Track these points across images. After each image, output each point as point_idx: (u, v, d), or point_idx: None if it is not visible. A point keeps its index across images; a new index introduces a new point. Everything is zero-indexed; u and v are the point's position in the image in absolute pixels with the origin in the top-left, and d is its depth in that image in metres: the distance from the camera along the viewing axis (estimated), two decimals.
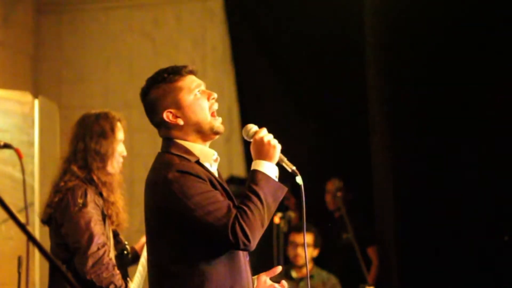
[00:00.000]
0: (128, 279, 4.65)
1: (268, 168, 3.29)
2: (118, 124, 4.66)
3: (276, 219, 7.48)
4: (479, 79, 6.87)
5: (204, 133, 3.37)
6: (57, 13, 8.99)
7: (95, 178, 4.53)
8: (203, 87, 3.40)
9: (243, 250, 3.25)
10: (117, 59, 8.89)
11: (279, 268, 3.53)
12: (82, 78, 8.86)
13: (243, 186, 3.31)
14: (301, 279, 7.11)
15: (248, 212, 3.15)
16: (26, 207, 2.40)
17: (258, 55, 8.62)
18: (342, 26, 7.73)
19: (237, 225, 3.11)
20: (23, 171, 2.35)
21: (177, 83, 3.36)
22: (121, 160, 4.66)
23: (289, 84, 8.35)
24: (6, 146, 2.35)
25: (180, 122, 3.33)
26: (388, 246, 7.50)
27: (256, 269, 3.56)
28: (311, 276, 7.15)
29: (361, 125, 7.62)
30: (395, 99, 7.26)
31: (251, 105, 8.70)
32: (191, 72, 3.41)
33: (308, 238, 7.14)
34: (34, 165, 6.53)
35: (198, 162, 3.31)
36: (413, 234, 7.14)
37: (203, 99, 3.37)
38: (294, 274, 7.09)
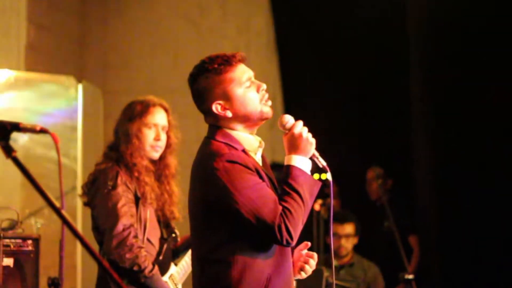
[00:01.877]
0: (172, 262, 4.68)
1: (304, 164, 3.31)
2: (152, 109, 4.65)
3: (317, 206, 7.48)
4: None
5: (252, 122, 3.36)
6: None
7: (125, 160, 4.57)
8: (252, 77, 3.37)
9: (285, 246, 3.27)
10: (162, 45, 8.93)
11: (308, 244, 3.54)
12: (127, 63, 8.91)
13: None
14: (341, 266, 7.09)
15: (293, 211, 3.18)
16: (62, 192, 2.43)
17: (302, 42, 8.61)
18: (386, 16, 7.70)
19: (283, 225, 3.15)
20: (58, 155, 2.38)
21: (227, 74, 3.31)
22: (157, 144, 4.66)
23: (332, 71, 8.32)
24: (42, 131, 2.37)
25: (229, 114, 3.31)
26: (429, 236, 7.48)
27: None
28: (351, 264, 7.14)
29: (403, 114, 7.59)
30: (438, 89, 7.22)
31: (295, 92, 8.70)
32: (241, 61, 3.36)
33: (350, 228, 7.12)
34: (77, 150, 6.60)
35: (243, 151, 3.31)
36: (455, 224, 7.11)
37: (252, 91, 3.34)
38: (334, 262, 7.05)
